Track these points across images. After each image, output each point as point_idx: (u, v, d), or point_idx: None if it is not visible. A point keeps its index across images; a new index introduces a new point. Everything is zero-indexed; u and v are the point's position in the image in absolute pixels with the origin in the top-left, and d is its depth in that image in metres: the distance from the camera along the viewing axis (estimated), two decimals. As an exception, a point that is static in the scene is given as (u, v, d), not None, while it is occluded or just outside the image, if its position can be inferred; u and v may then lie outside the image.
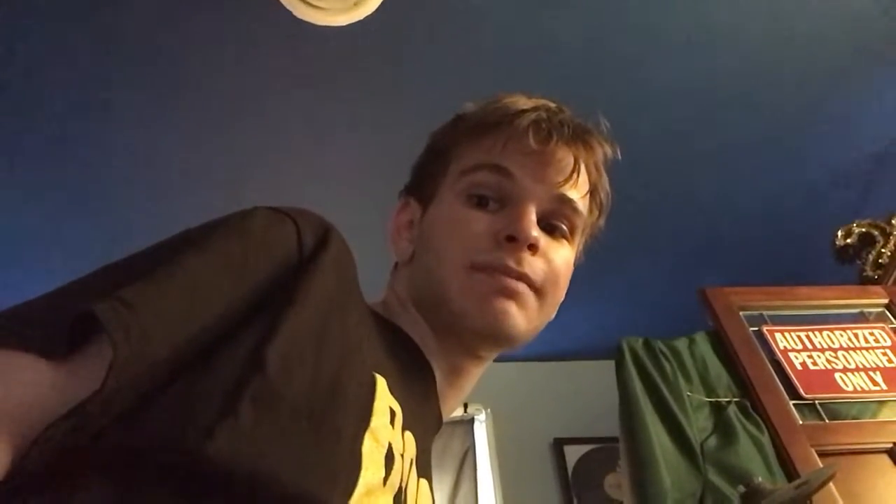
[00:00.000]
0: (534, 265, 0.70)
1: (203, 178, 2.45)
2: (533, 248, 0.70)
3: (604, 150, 0.79)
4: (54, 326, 0.44)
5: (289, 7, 1.84)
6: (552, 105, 0.78)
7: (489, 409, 3.10)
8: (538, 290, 0.71)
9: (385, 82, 2.22)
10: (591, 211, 0.79)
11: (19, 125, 2.20)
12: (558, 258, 0.73)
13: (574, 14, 2.05)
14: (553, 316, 0.76)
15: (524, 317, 0.70)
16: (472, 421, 3.10)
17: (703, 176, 2.57)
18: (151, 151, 2.34)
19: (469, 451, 3.03)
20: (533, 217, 0.71)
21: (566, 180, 0.73)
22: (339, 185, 2.50)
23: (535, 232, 0.70)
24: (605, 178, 0.81)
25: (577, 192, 0.75)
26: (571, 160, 0.74)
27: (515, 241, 0.69)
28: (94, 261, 0.52)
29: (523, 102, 0.77)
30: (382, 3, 1.88)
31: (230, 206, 0.59)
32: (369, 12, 1.88)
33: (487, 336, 0.71)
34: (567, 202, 0.74)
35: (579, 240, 0.79)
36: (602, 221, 0.82)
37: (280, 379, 0.48)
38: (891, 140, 2.46)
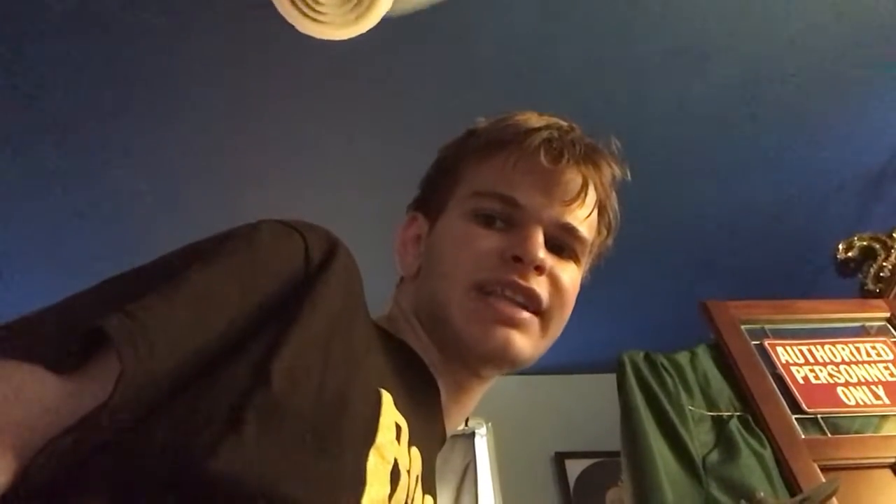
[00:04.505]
0: (541, 285, 0.71)
1: (204, 191, 2.45)
2: (539, 269, 0.70)
3: (613, 171, 0.79)
4: (62, 339, 0.43)
5: (291, 21, 1.84)
6: (563, 124, 0.78)
7: (490, 423, 3.09)
8: (543, 313, 0.71)
9: (386, 96, 2.23)
10: (598, 231, 0.79)
11: (21, 138, 2.20)
12: (565, 278, 0.74)
13: (574, 28, 2.06)
14: (559, 335, 0.76)
15: (528, 343, 0.70)
16: (472, 435, 3.09)
17: (704, 189, 2.57)
18: (152, 164, 2.34)
19: (470, 466, 3.01)
20: (540, 239, 0.71)
21: (573, 200, 0.74)
22: (339, 197, 2.51)
23: (542, 253, 0.70)
24: (613, 198, 0.81)
25: (584, 213, 0.75)
26: (580, 180, 0.75)
27: (522, 261, 0.70)
28: (94, 274, 0.52)
29: (535, 121, 0.78)
30: (384, 18, 1.89)
31: (232, 218, 0.59)
32: (371, 26, 1.89)
33: (490, 360, 0.71)
34: (571, 230, 0.74)
35: (586, 259, 0.79)
36: (610, 241, 0.83)
37: (285, 393, 0.48)
38: (891, 153, 2.47)
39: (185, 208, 2.48)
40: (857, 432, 1.97)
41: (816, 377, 2.09)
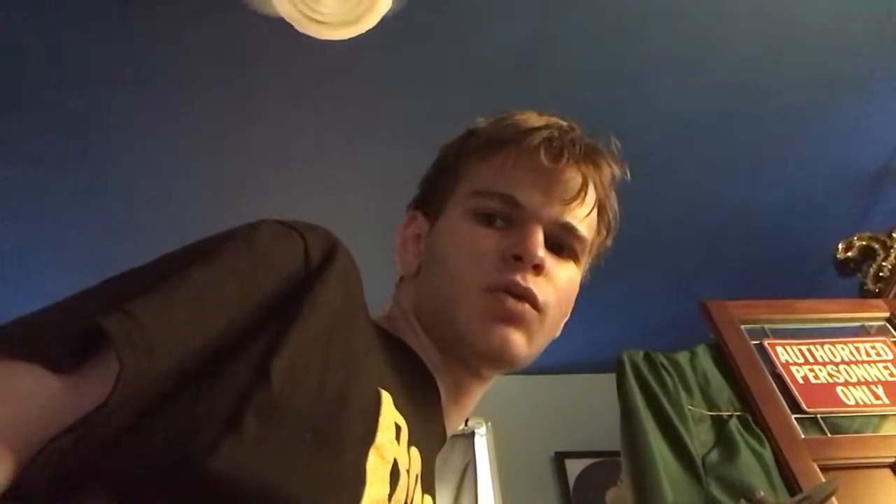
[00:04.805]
0: (539, 285, 0.71)
1: (203, 192, 2.45)
2: (538, 268, 0.70)
3: (612, 170, 0.79)
4: (61, 339, 0.43)
5: (291, 21, 1.84)
6: (563, 123, 0.78)
7: (490, 423, 3.09)
8: (542, 311, 0.71)
9: (386, 96, 2.23)
10: (598, 231, 0.79)
11: (19, 141, 2.20)
12: (564, 278, 0.74)
13: (574, 28, 2.06)
14: (557, 334, 0.76)
15: (527, 342, 0.70)
16: (472, 435, 3.09)
17: (703, 189, 2.57)
18: (153, 163, 2.34)
19: (469, 465, 3.01)
20: (540, 238, 0.71)
21: (573, 199, 0.74)
22: (339, 198, 2.51)
23: (542, 252, 0.70)
24: (613, 198, 0.81)
25: (584, 212, 0.75)
26: (580, 179, 0.75)
27: (522, 260, 0.70)
28: (98, 275, 0.52)
29: (535, 120, 0.78)
30: (383, 18, 1.89)
31: (232, 218, 0.58)
32: (371, 26, 1.89)
33: (489, 359, 0.72)
34: (571, 229, 0.74)
35: (586, 259, 0.79)
36: (610, 241, 0.83)
37: (285, 393, 0.48)
38: (891, 153, 2.47)
39: (185, 208, 2.48)
40: (856, 432, 1.97)
41: (816, 377, 2.09)
